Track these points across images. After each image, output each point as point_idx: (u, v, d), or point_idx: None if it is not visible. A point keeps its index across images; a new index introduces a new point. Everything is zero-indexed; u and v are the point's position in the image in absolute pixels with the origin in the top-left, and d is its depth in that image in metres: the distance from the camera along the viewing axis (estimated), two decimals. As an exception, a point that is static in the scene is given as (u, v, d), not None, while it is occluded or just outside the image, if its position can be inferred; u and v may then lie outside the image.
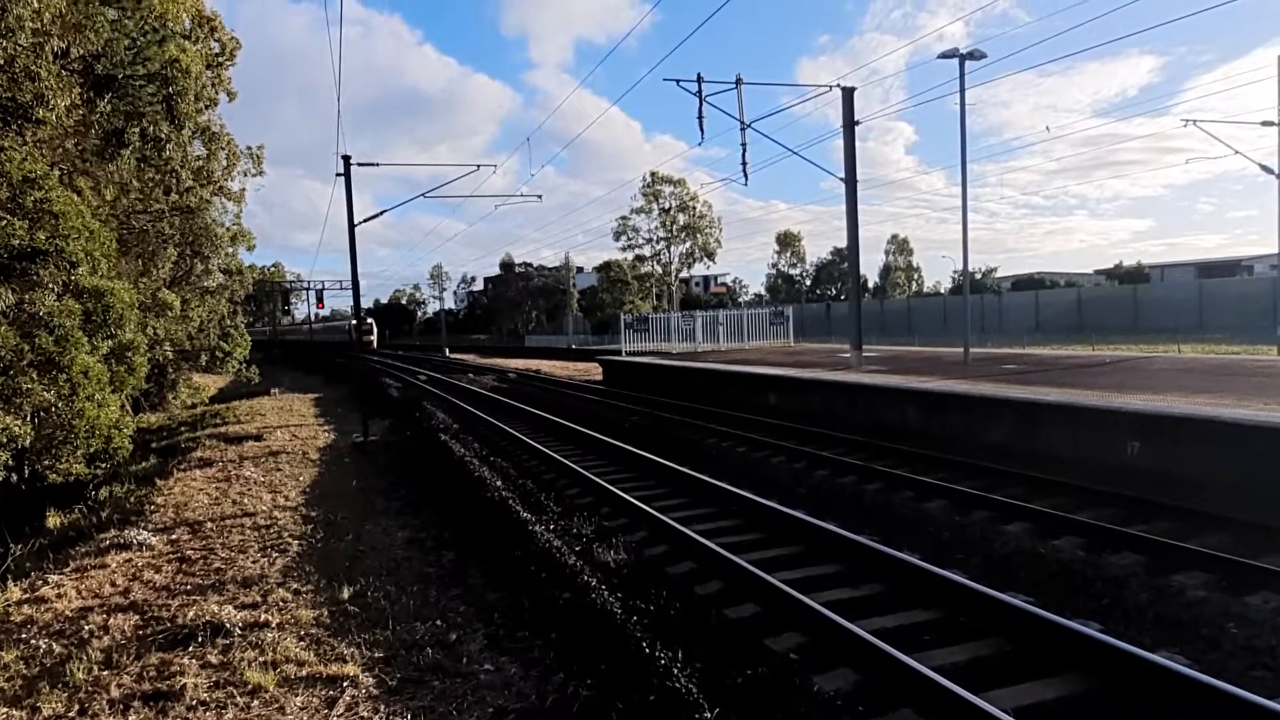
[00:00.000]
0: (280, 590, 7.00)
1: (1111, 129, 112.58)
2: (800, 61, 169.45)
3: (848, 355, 19.79)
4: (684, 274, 77.89)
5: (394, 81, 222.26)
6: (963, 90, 17.96)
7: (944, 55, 17.85)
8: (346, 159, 18.46)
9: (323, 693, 5.00)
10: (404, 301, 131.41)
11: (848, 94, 19.15)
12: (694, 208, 71.02)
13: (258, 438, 17.82)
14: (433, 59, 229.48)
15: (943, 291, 75.45)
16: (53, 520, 12.55)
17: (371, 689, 5.02)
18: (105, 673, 5.42)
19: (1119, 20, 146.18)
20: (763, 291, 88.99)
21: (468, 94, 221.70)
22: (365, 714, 4.72)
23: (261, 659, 5.47)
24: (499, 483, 10.07)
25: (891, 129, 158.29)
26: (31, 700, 5.09)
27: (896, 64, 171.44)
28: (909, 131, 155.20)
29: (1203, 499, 8.16)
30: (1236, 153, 35.41)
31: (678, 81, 18.06)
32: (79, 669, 5.43)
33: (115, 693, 5.11)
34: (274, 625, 6.13)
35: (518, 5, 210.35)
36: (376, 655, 5.52)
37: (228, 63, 23.31)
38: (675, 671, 4.47)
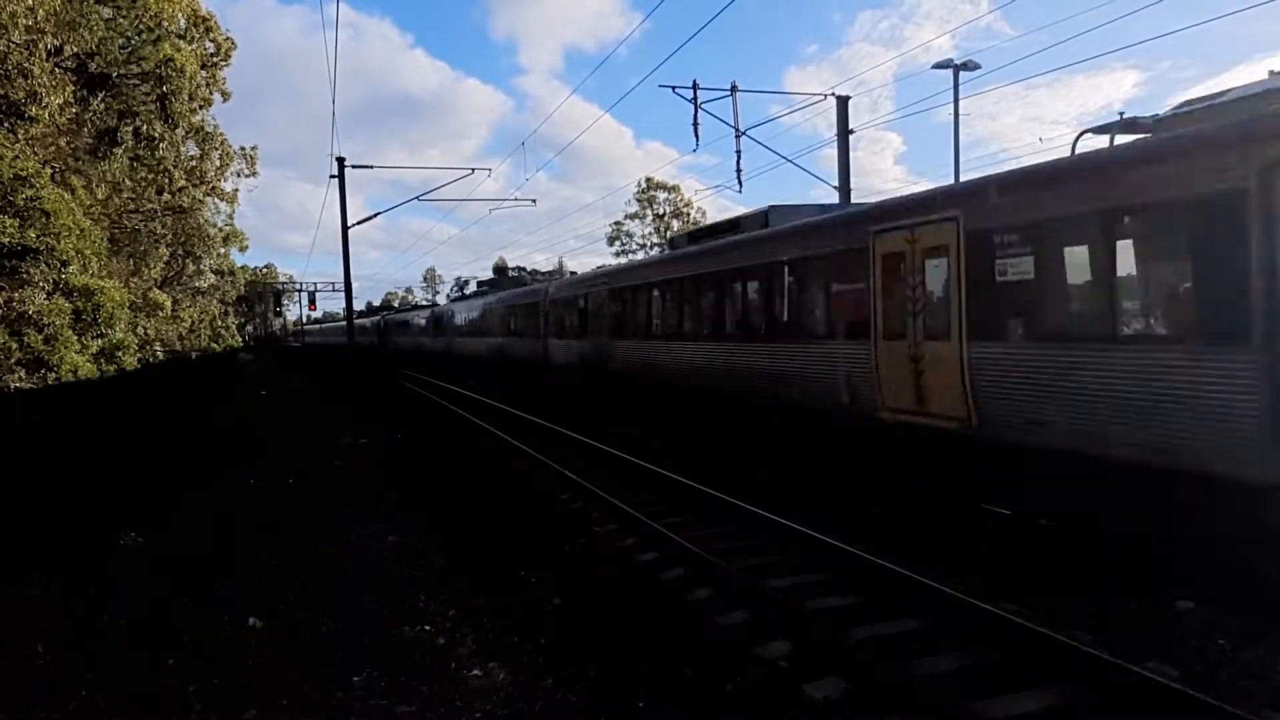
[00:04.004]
0: (268, 593, 6.93)
1: (1098, 142, 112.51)
2: (788, 71, 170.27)
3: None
4: (677, 280, 77.92)
5: (385, 85, 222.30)
6: (956, 100, 18.12)
7: (938, 65, 18.03)
8: (341, 160, 18.42)
9: (310, 697, 4.95)
10: (395, 304, 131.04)
11: (842, 103, 19.26)
12: (688, 214, 71.15)
13: (247, 439, 17.69)
14: (424, 63, 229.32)
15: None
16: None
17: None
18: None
19: (1102, 35, 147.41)
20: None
21: (459, 98, 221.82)
22: (353, 719, 4.69)
23: (248, 662, 5.42)
24: (489, 486, 10.04)
25: (880, 139, 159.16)
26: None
27: (884, 75, 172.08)
28: (897, 141, 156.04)
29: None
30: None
31: (674, 88, 18.21)
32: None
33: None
34: (261, 628, 6.08)
35: (507, 10, 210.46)
36: (365, 659, 5.47)
37: (222, 63, 23.31)
38: (666, 676, 4.46)
